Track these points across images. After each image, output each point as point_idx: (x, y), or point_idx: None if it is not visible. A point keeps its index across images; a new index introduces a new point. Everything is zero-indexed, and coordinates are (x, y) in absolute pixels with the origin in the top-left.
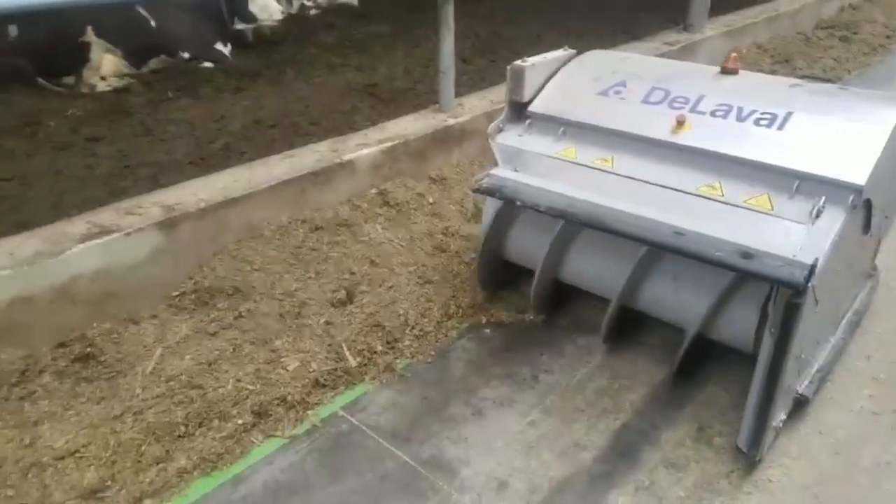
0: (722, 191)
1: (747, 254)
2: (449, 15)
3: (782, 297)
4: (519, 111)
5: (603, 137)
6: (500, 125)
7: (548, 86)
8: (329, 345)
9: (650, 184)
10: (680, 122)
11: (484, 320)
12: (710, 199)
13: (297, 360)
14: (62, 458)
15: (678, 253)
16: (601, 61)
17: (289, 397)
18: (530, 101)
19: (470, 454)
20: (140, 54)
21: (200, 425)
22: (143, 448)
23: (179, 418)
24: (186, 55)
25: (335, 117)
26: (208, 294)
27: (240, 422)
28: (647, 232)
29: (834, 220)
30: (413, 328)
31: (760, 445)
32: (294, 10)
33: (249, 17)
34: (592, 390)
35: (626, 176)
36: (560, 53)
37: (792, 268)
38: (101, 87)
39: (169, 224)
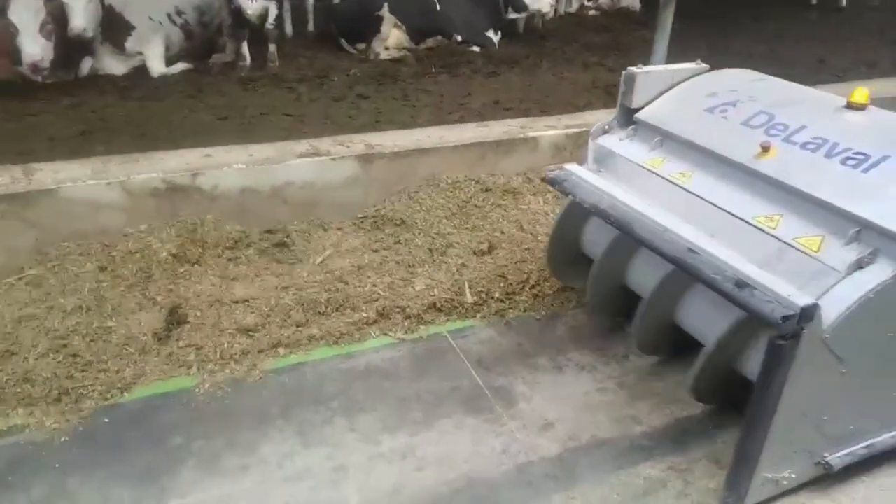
0: (778, 224)
1: (741, 283)
2: (667, 19)
3: (766, 335)
4: (628, 116)
5: (693, 153)
6: (606, 127)
7: (664, 96)
8: (456, 280)
9: (713, 205)
10: (765, 149)
11: None
12: (761, 229)
13: (425, 284)
14: (237, 302)
15: (683, 268)
16: (728, 80)
17: (408, 309)
18: (640, 108)
19: (534, 395)
20: (421, 32)
21: (336, 310)
22: (291, 313)
23: (323, 300)
24: (459, 38)
25: (566, 109)
26: (382, 221)
27: (365, 315)
28: (664, 244)
29: (877, 276)
30: (533, 287)
31: (740, 492)
32: (573, 8)
33: (521, 7)
34: (673, 381)
35: (695, 194)
36: (688, 66)
37: (775, 305)
38: (384, 55)
39: (366, 159)
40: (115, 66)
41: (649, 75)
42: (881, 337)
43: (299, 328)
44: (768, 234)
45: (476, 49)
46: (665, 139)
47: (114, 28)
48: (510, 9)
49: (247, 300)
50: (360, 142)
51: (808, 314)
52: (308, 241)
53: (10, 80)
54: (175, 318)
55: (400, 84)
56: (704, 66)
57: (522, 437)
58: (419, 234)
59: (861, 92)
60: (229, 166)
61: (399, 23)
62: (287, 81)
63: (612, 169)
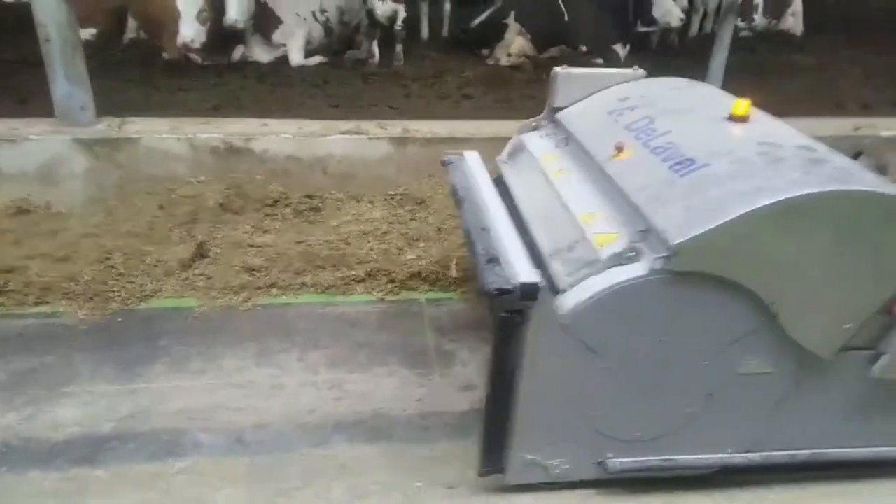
0: (593, 220)
1: (493, 259)
2: (725, 34)
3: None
4: (553, 115)
5: (580, 152)
6: (534, 124)
7: (588, 98)
8: (446, 256)
9: (560, 199)
10: (619, 150)
11: None
12: (579, 225)
13: (416, 255)
14: (253, 247)
15: (468, 242)
16: (649, 87)
17: (393, 274)
18: (565, 108)
19: (472, 361)
20: (546, 41)
21: (332, 265)
22: (293, 262)
23: (323, 256)
24: (584, 49)
25: None
26: (406, 199)
27: (354, 273)
28: (468, 221)
29: (631, 272)
30: None
31: (495, 464)
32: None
33: (650, 21)
34: None
35: (555, 188)
36: (622, 71)
37: (499, 279)
38: (504, 61)
39: (400, 142)
40: (262, 54)
41: (572, 77)
42: (647, 340)
43: (296, 275)
44: (580, 227)
45: (600, 61)
46: (569, 138)
47: (264, 21)
48: (639, 22)
49: (261, 247)
50: (398, 125)
51: (530, 292)
52: (339, 208)
53: (176, 59)
54: (199, 252)
55: (507, 88)
56: (641, 71)
57: (441, 392)
58: (434, 213)
59: (742, 104)
60: (277, 135)
61: (524, 30)
62: (404, 79)
63: (517, 161)
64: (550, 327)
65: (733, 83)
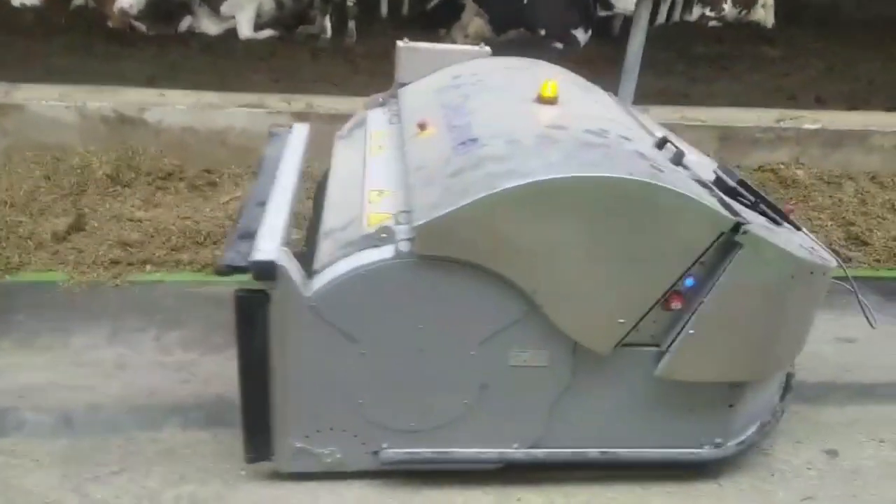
0: (381, 198)
1: (246, 234)
2: (642, 17)
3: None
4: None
5: (399, 129)
6: (381, 99)
7: (430, 75)
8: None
9: (361, 177)
10: (421, 128)
11: None
12: (362, 204)
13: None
14: (133, 220)
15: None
16: (484, 65)
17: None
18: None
19: None
20: (504, 23)
21: (214, 243)
22: (172, 238)
23: (205, 232)
24: (543, 33)
25: None
26: (306, 175)
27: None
28: (249, 194)
29: (379, 255)
30: None
31: (260, 450)
32: (692, 17)
33: (608, 5)
34: None
35: (364, 165)
36: (467, 48)
37: (234, 254)
38: (460, 43)
39: (302, 117)
40: (210, 26)
41: (416, 51)
42: (404, 326)
43: (173, 251)
44: (361, 206)
45: (559, 46)
46: (399, 114)
47: None
48: (597, 6)
49: (141, 221)
50: (302, 101)
51: (265, 270)
52: (237, 184)
53: (121, 29)
54: (75, 225)
55: None
56: (486, 49)
57: None
58: None
59: (550, 86)
60: (173, 106)
61: (482, 12)
62: (355, 55)
63: (351, 137)
64: (297, 309)
65: (689, 72)
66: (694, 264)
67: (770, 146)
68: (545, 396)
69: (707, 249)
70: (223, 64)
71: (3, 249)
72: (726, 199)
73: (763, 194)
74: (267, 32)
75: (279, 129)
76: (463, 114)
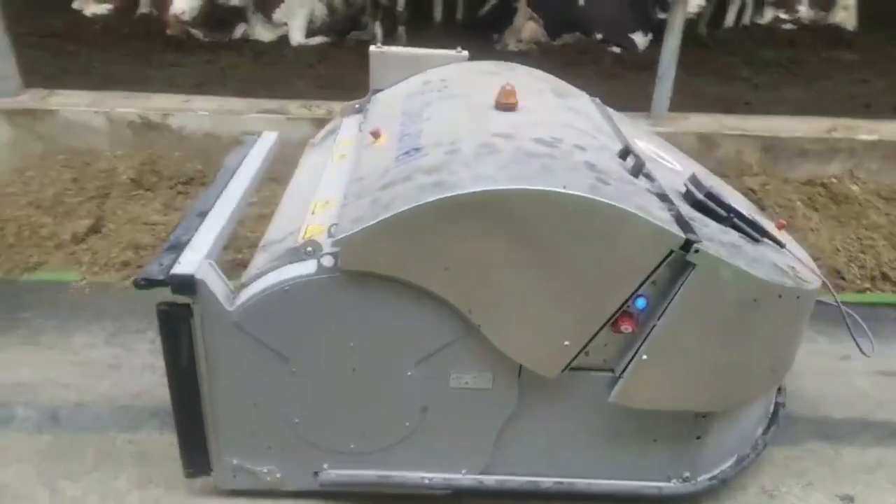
0: (325, 209)
1: (175, 245)
2: (677, 20)
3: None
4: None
5: (362, 137)
6: (357, 106)
7: (404, 81)
8: None
9: (314, 187)
10: (374, 136)
11: None
12: (310, 213)
13: None
14: (148, 224)
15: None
16: (462, 70)
17: None
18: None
19: None
20: (559, 27)
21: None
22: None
23: None
24: (600, 36)
25: None
26: None
27: (240, 257)
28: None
29: (302, 270)
30: None
31: (198, 465)
32: (765, 20)
33: (666, 7)
34: None
35: (322, 174)
36: (441, 52)
37: (156, 267)
38: (512, 47)
39: (322, 123)
40: (263, 33)
41: (389, 57)
42: (334, 344)
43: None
44: (303, 217)
45: (616, 50)
46: (365, 122)
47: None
48: (657, 8)
49: (156, 224)
50: (325, 107)
51: (183, 284)
52: (257, 190)
53: (177, 36)
54: (94, 227)
55: None
56: (464, 53)
57: None
58: None
59: (507, 92)
60: (195, 112)
61: (535, 16)
62: None
63: (322, 145)
64: (220, 324)
65: (753, 78)
66: (643, 285)
67: (820, 158)
68: (491, 421)
69: (656, 269)
70: (271, 70)
71: (23, 249)
72: (690, 213)
73: (737, 208)
74: (318, 39)
75: (248, 137)
76: (417, 121)
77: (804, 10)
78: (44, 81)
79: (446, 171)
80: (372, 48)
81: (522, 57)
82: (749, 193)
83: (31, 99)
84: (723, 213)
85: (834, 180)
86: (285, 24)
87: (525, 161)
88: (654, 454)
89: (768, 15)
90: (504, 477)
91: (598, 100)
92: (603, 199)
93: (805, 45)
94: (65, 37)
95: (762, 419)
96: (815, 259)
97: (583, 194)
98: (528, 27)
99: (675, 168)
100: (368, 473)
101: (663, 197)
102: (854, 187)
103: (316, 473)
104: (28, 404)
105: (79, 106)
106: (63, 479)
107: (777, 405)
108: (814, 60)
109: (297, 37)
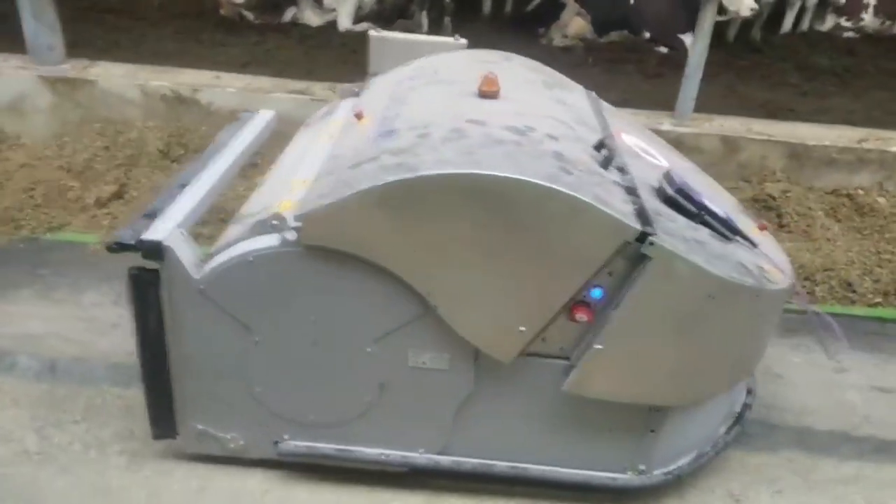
0: (300, 187)
1: (151, 213)
2: (706, 22)
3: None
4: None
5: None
6: (356, 89)
7: (400, 67)
8: None
9: (304, 162)
10: (358, 117)
11: None
12: (282, 190)
13: None
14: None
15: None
16: (458, 58)
17: None
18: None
19: None
20: (607, 24)
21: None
22: None
23: (229, 210)
24: (647, 36)
25: None
26: None
27: None
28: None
29: (265, 242)
30: None
31: (164, 428)
32: (825, 26)
33: (722, 9)
34: None
35: (308, 152)
36: (440, 39)
37: (127, 232)
38: (557, 42)
39: None
40: (312, 17)
41: (387, 42)
42: (296, 316)
43: (196, 225)
44: (280, 193)
45: (663, 50)
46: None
47: None
48: None
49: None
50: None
51: (152, 249)
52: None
53: (229, 16)
54: (118, 193)
55: None
56: (462, 41)
57: None
58: None
59: (489, 79)
60: (223, 89)
61: (583, 11)
62: None
63: (316, 125)
64: (186, 291)
65: (801, 85)
66: (597, 274)
67: (849, 169)
68: (448, 402)
69: (610, 259)
70: (315, 54)
71: (50, 210)
72: (658, 208)
73: (710, 206)
74: (365, 25)
75: (246, 115)
76: (399, 105)
77: (868, 19)
78: (96, 54)
79: (411, 154)
80: (371, 33)
81: (567, 52)
82: (768, 199)
83: (73, 69)
84: (693, 209)
85: (860, 191)
86: (334, 9)
87: (490, 147)
88: (608, 445)
89: (829, 22)
90: (459, 458)
91: (593, 93)
92: (558, 188)
93: (865, 54)
94: (119, 12)
95: (726, 418)
96: (826, 270)
97: (538, 181)
98: (574, 23)
99: (658, 164)
100: (327, 447)
101: (630, 190)
102: (881, 200)
103: (276, 443)
104: (31, 354)
105: (116, 77)
106: (52, 428)
107: (744, 406)
108: (871, 71)
109: (345, 22)
